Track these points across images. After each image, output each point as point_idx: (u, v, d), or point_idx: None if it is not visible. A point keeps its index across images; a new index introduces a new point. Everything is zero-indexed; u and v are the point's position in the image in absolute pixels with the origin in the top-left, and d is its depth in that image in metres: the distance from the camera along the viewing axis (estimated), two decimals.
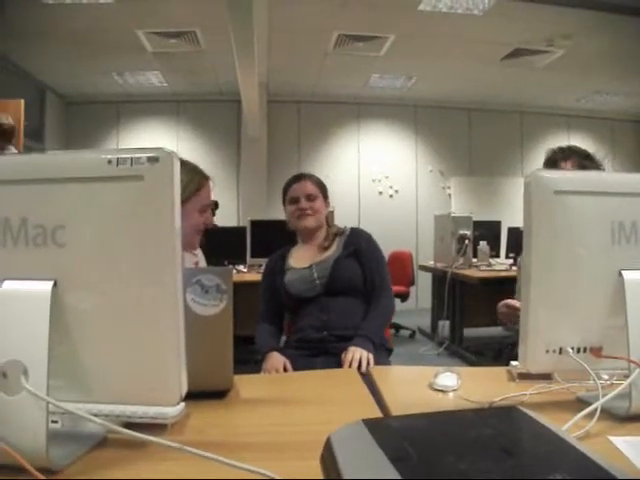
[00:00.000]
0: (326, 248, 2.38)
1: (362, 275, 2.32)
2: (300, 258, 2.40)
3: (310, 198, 2.39)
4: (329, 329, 2.20)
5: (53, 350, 0.85)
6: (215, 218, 6.53)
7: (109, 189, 0.88)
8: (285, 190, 2.47)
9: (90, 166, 0.90)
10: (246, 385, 1.34)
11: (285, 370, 2.01)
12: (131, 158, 0.87)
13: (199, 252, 2.30)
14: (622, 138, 9.61)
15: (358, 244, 2.36)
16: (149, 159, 0.87)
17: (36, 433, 0.83)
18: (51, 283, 0.87)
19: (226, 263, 4.77)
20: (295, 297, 2.30)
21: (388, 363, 2.22)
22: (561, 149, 2.34)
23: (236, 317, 1.23)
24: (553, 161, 2.28)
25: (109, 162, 0.88)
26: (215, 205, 6.16)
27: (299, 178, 2.46)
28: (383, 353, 2.24)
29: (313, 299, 2.27)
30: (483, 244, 5.63)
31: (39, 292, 0.87)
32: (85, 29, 5.87)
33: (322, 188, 2.47)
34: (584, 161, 2.25)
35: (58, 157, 0.95)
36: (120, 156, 0.88)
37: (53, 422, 0.93)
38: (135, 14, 5.57)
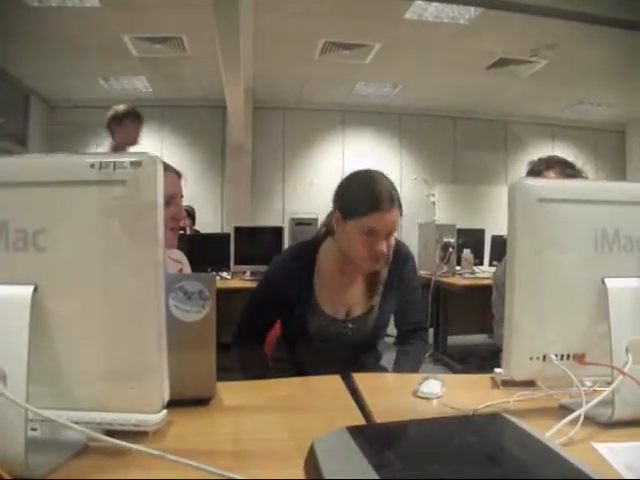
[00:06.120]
0: (370, 290, 1.97)
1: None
2: (332, 296, 1.93)
3: (390, 235, 1.80)
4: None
5: (33, 356, 0.84)
6: (197, 224, 6.50)
7: (91, 193, 0.87)
8: (365, 210, 1.72)
9: (73, 170, 0.89)
10: (229, 392, 1.33)
11: None
12: (114, 162, 0.87)
13: (184, 258, 2.27)
14: (605, 147, 9.75)
15: (402, 274, 1.98)
16: (132, 164, 0.86)
17: (15, 441, 0.81)
18: (31, 288, 0.86)
19: (209, 270, 4.74)
20: (312, 339, 1.93)
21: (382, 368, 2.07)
22: (543, 159, 2.36)
23: (219, 324, 1.22)
24: (537, 172, 2.29)
25: (92, 166, 0.87)
26: (190, 211, 6.11)
27: (391, 204, 1.74)
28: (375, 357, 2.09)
29: (334, 345, 1.93)
30: (467, 252, 5.64)
31: (19, 297, 0.85)
32: (71, 33, 5.85)
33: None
34: (567, 169, 2.27)
35: (40, 160, 0.94)
36: (103, 160, 0.87)
37: (32, 430, 0.91)
38: (121, 19, 5.56)
